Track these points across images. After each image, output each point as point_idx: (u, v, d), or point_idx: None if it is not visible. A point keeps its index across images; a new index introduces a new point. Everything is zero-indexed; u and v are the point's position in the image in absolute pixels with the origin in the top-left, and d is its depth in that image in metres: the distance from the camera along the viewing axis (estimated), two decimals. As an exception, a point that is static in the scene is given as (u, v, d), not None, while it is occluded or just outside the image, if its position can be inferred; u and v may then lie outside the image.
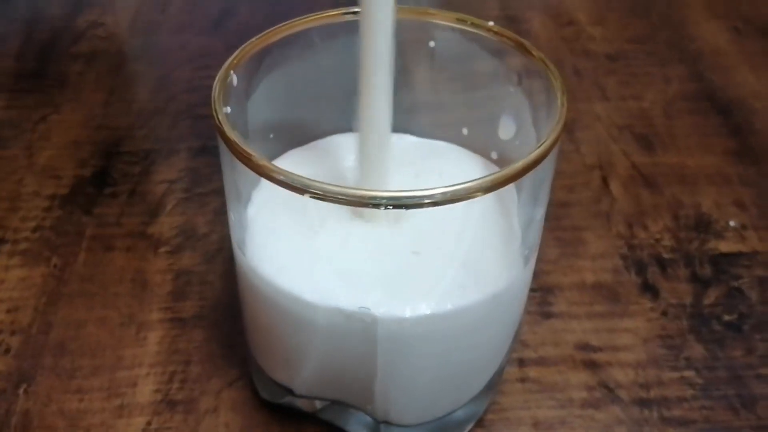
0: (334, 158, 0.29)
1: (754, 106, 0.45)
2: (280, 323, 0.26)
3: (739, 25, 0.52)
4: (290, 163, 0.29)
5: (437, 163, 0.29)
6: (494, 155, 0.29)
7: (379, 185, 0.25)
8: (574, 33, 0.52)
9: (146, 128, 0.43)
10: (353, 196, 0.22)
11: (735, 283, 0.35)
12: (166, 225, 0.38)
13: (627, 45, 0.51)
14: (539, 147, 0.23)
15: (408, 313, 0.24)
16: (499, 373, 0.29)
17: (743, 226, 0.38)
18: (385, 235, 0.25)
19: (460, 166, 0.29)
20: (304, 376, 0.27)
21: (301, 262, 0.25)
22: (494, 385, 0.30)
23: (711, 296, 0.35)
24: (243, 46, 0.26)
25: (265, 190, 0.26)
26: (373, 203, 0.22)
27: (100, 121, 0.44)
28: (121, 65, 0.48)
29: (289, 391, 0.29)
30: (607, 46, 0.50)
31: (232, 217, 0.26)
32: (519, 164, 0.22)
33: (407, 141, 0.30)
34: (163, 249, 0.36)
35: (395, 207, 0.22)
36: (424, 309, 0.24)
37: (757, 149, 0.43)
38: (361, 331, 0.24)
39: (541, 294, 0.35)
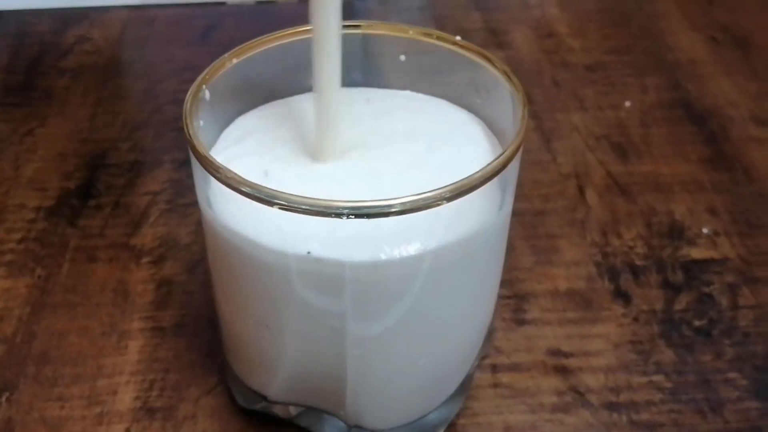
0: (296, 117, 0.29)
1: (729, 115, 0.46)
2: (249, 281, 0.26)
3: (716, 35, 0.53)
4: (254, 121, 0.29)
5: (393, 103, 0.30)
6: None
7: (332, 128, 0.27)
8: (555, 44, 0.52)
9: (131, 140, 0.44)
10: (318, 206, 0.22)
11: (706, 289, 0.36)
12: (149, 236, 0.38)
13: (606, 56, 0.51)
14: (499, 157, 0.24)
15: (379, 255, 0.23)
16: (470, 376, 0.30)
17: (716, 233, 0.39)
18: (350, 176, 0.26)
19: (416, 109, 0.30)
20: (276, 373, 0.28)
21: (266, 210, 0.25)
22: (465, 388, 0.30)
23: (682, 302, 0.35)
24: (214, 62, 0.27)
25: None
26: (336, 213, 0.22)
27: (86, 134, 0.45)
28: (108, 78, 0.49)
29: (264, 398, 0.29)
30: (586, 57, 0.51)
31: (197, 173, 0.26)
32: (479, 173, 0.23)
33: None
34: (145, 259, 0.37)
35: (357, 216, 0.22)
36: (395, 252, 0.24)
37: (731, 157, 0.43)
38: (331, 277, 0.24)
39: (516, 301, 0.35)
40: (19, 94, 0.48)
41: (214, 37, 0.53)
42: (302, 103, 0.29)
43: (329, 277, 0.24)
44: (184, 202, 0.40)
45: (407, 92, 0.30)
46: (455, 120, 0.29)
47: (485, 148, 0.28)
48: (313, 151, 0.27)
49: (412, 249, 0.24)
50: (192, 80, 0.27)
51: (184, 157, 0.43)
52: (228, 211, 0.25)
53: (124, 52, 0.52)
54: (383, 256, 0.23)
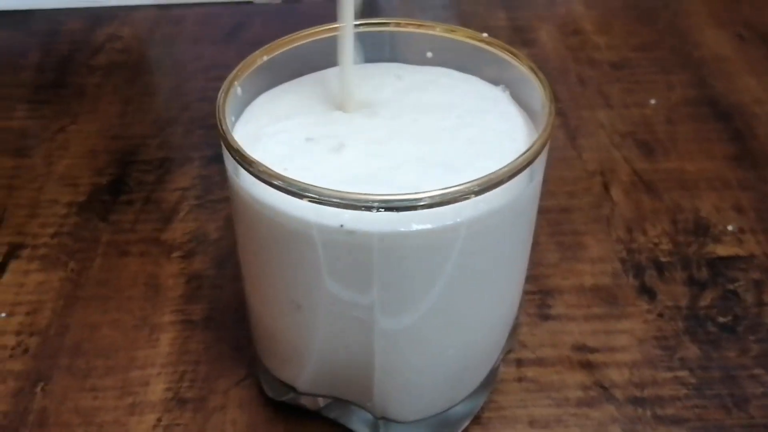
0: (323, 88, 0.30)
1: (755, 112, 0.46)
2: (281, 258, 0.26)
3: (742, 32, 0.53)
4: (282, 94, 0.30)
5: (424, 79, 0.30)
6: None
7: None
8: (580, 42, 0.53)
9: (161, 137, 0.45)
10: (348, 199, 0.23)
11: (731, 286, 0.36)
12: (178, 231, 0.39)
13: (631, 53, 0.51)
14: (526, 152, 0.24)
15: (410, 226, 0.23)
16: (495, 369, 0.30)
17: (741, 230, 0.39)
18: (383, 140, 0.27)
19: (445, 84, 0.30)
20: (305, 363, 0.28)
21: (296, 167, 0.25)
22: (491, 382, 0.31)
23: (707, 298, 0.36)
24: (246, 59, 0.28)
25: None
26: (366, 206, 0.23)
27: (117, 131, 0.46)
28: (138, 77, 0.50)
29: (293, 389, 0.30)
30: (611, 55, 0.51)
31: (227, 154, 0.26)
32: (506, 168, 0.23)
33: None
34: (175, 254, 0.38)
35: (386, 209, 0.23)
36: (425, 224, 0.24)
37: (757, 154, 0.43)
38: (362, 249, 0.24)
39: (540, 296, 0.36)
40: (50, 92, 0.49)
41: (242, 35, 0.54)
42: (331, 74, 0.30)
43: (360, 248, 0.24)
44: (214, 198, 0.41)
45: (439, 68, 0.30)
46: (487, 96, 0.29)
47: (517, 123, 0.28)
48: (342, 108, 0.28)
49: (443, 220, 0.24)
50: (220, 78, 0.28)
51: (213, 154, 0.44)
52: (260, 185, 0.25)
53: (153, 51, 0.53)
54: (414, 227, 0.23)
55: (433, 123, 0.27)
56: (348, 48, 0.27)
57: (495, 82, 0.29)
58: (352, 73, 0.28)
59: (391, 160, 0.26)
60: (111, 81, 0.50)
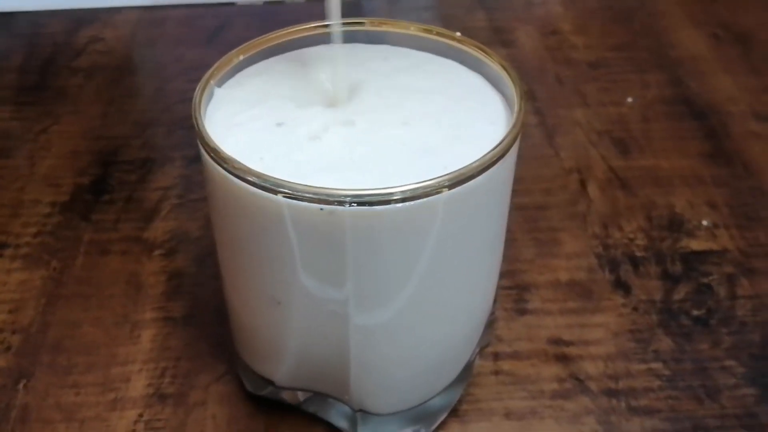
0: (304, 66, 0.30)
1: (729, 110, 0.47)
2: (259, 245, 0.26)
3: (717, 32, 0.54)
4: (262, 71, 0.30)
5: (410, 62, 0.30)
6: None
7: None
8: (558, 42, 0.53)
9: (142, 138, 0.45)
10: (321, 194, 0.23)
11: (704, 280, 0.37)
12: (160, 230, 0.39)
13: (608, 53, 0.52)
14: (496, 147, 0.25)
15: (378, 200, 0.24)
16: (471, 363, 0.31)
17: (715, 225, 0.39)
18: (364, 124, 0.27)
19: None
20: (283, 357, 0.29)
21: (272, 156, 0.25)
22: (467, 375, 0.31)
23: (681, 292, 0.36)
24: (222, 58, 0.28)
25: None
26: (339, 201, 0.23)
27: (99, 131, 0.46)
28: (120, 78, 0.50)
29: (272, 383, 0.30)
30: (589, 54, 0.52)
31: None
32: (477, 163, 0.24)
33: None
34: (156, 252, 0.38)
35: (359, 204, 0.23)
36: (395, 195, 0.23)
37: (730, 152, 0.44)
38: (331, 224, 0.24)
39: (517, 291, 0.36)
40: (33, 94, 0.49)
41: (224, 37, 0.54)
42: (308, 54, 0.30)
43: (334, 232, 0.24)
44: (195, 197, 0.41)
45: (426, 54, 0.30)
46: (469, 82, 0.29)
47: (497, 109, 0.28)
48: (329, 98, 0.28)
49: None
50: (200, 80, 0.28)
51: (194, 154, 0.44)
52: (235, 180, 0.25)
53: (135, 52, 0.53)
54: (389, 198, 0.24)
55: (416, 107, 0.27)
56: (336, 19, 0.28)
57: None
58: (342, 52, 0.28)
59: (370, 145, 0.26)
60: (93, 82, 0.50)
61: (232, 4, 0.57)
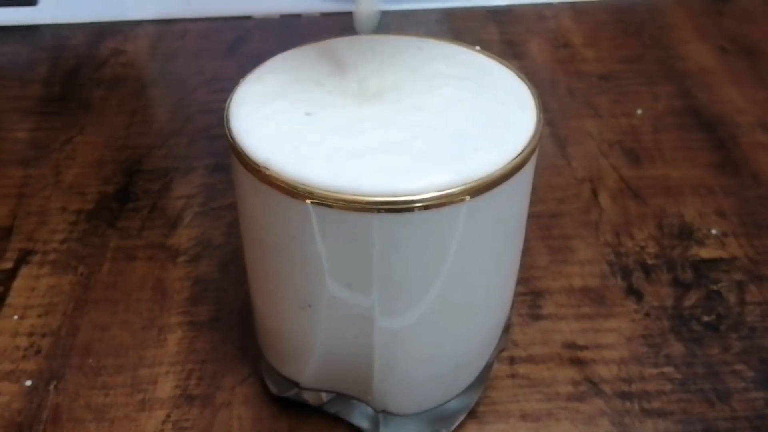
0: (331, 58, 0.30)
1: (737, 122, 0.48)
2: (282, 249, 0.27)
3: (725, 45, 0.55)
4: (289, 61, 0.30)
5: (443, 52, 0.31)
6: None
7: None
8: (569, 55, 0.54)
9: (165, 148, 0.47)
10: (348, 201, 0.24)
11: (714, 287, 0.38)
12: (184, 237, 0.41)
13: (618, 65, 0.53)
14: (517, 157, 0.26)
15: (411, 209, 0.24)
16: (489, 366, 0.32)
17: (724, 234, 0.40)
18: (393, 119, 0.27)
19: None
20: (308, 359, 0.30)
21: (304, 146, 0.26)
22: (485, 378, 0.32)
23: (691, 299, 0.37)
24: (253, 70, 0.29)
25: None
26: (366, 209, 0.24)
27: (123, 141, 0.47)
28: (142, 89, 0.52)
29: (296, 385, 0.31)
30: (599, 67, 0.53)
31: None
32: (499, 171, 0.25)
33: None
34: (181, 258, 0.39)
35: (385, 212, 0.24)
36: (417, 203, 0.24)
37: (739, 162, 0.45)
38: (358, 230, 0.25)
39: (532, 297, 0.37)
40: (58, 104, 0.50)
41: (243, 49, 0.55)
42: (335, 44, 0.31)
43: (360, 234, 0.25)
44: (217, 205, 0.42)
45: (457, 46, 0.31)
46: (499, 71, 0.30)
47: (525, 96, 0.29)
48: (357, 89, 0.28)
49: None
50: (222, 90, 0.29)
51: (216, 163, 0.45)
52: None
53: (156, 64, 0.54)
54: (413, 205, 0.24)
55: (450, 93, 0.28)
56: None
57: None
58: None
59: (404, 131, 0.26)
60: (116, 94, 0.51)
61: (250, 17, 0.59)
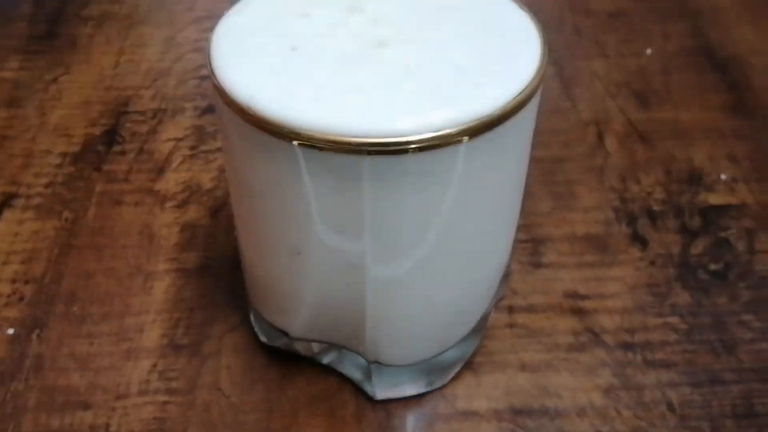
0: None
1: (751, 62, 0.46)
2: (271, 193, 0.26)
3: (740, -19, 0.53)
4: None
5: None
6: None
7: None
8: (576, -9, 0.52)
9: (154, 88, 0.45)
10: (339, 142, 0.23)
11: (723, 234, 0.36)
12: (172, 181, 0.39)
13: (628, 2, 0.51)
14: (519, 94, 0.24)
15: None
16: (486, 315, 0.31)
17: (734, 179, 0.39)
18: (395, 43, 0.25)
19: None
20: (298, 308, 0.29)
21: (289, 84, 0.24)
22: (482, 327, 0.31)
23: (699, 246, 0.36)
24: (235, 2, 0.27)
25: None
26: (357, 151, 0.23)
27: (110, 81, 0.45)
28: (130, 27, 0.50)
29: (286, 334, 0.30)
30: (608, 4, 0.51)
31: None
32: (498, 111, 0.23)
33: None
34: (169, 204, 0.38)
35: (377, 154, 0.23)
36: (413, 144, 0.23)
37: (752, 104, 0.43)
38: (348, 172, 0.24)
39: (533, 245, 0.36)
40: (42, 43, 0.48)
41: (235, -15, 0.53)
42: None
43: (350, 174, 0.23)
44: (207, 148, 0.41)
45: None
46: (506, 8, 0.28)
47: (530, 30, 0.27)
48: (347, 20, 0.26)
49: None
50: (212, 29, 0.27)
51: (206, 105, 0.43)
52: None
53: (145, 1, 0.52)
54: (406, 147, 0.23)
55: (449, 27, 0.26)
56: None
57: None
58: None
59: (398, 66, 0.24)
60: (103, 32, 0.49)
61: (244, -48, 0.56)
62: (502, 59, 0.25)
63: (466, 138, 0.23)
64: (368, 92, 0.24)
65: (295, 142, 0.23)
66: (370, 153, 0.23)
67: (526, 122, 0.26)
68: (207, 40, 0.26)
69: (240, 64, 0.25)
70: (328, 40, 0.26)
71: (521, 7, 0.28)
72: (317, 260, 0.26)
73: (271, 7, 0.27)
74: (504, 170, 0.26)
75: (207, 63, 0.25)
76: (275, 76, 0.24)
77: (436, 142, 0.23)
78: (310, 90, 0.24)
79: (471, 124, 0.23)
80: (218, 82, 0.25)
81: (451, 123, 0.23)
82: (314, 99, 0.24)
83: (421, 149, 0.23)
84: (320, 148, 0.23)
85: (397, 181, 0.24)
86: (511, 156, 0.26)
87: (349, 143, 0.23)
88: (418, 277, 0.27)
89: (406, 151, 0.23)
